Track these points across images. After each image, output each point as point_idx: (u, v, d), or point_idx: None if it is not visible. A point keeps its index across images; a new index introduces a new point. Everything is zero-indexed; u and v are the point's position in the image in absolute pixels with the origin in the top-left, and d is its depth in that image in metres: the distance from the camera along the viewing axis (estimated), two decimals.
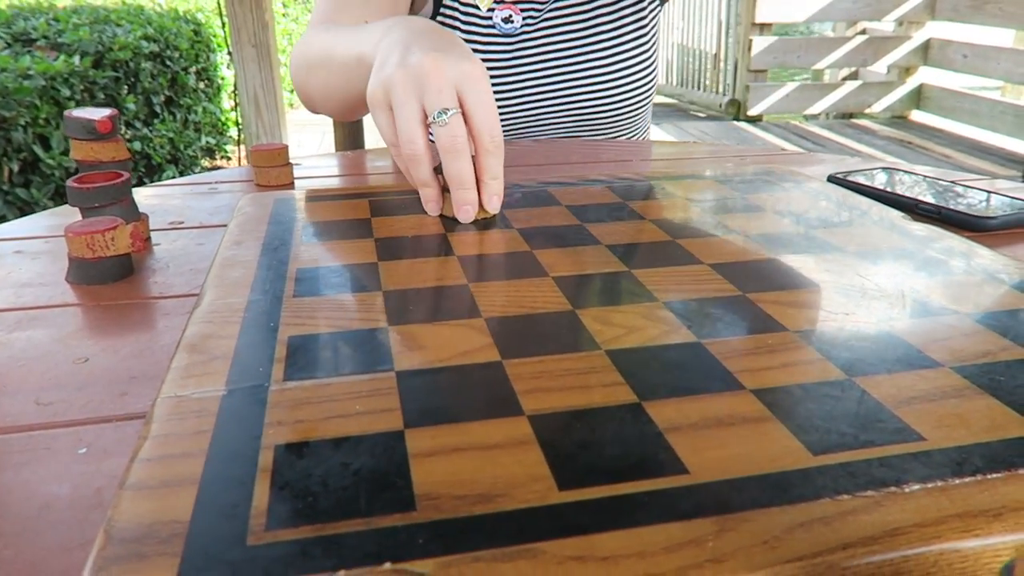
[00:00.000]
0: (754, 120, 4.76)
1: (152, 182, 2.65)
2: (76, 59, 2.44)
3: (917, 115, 4.79)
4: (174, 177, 3.03)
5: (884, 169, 0.70)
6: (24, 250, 0.53)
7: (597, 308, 0.37)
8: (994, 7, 4.03)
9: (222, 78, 3.78)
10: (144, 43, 2.86)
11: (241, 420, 0.27)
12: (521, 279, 0.41)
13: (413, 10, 0.86)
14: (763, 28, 4.64)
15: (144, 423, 0.27)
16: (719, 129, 4.52)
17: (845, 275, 0.42)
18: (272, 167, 0.67)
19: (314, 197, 0.57)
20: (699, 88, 5.41)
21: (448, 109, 0.49)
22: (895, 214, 0.53)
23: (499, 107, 0.80)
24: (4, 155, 2.09)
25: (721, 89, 5.07)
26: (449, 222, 0.52)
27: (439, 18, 0.87)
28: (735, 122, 4.74)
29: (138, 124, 2.83)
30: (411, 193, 0.58)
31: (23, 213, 2.16)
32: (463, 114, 0.50)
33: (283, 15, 5.56)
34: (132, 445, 0.28)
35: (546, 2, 0.88)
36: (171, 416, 0.27)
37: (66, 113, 0.53)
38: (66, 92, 2.32)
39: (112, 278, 0.47)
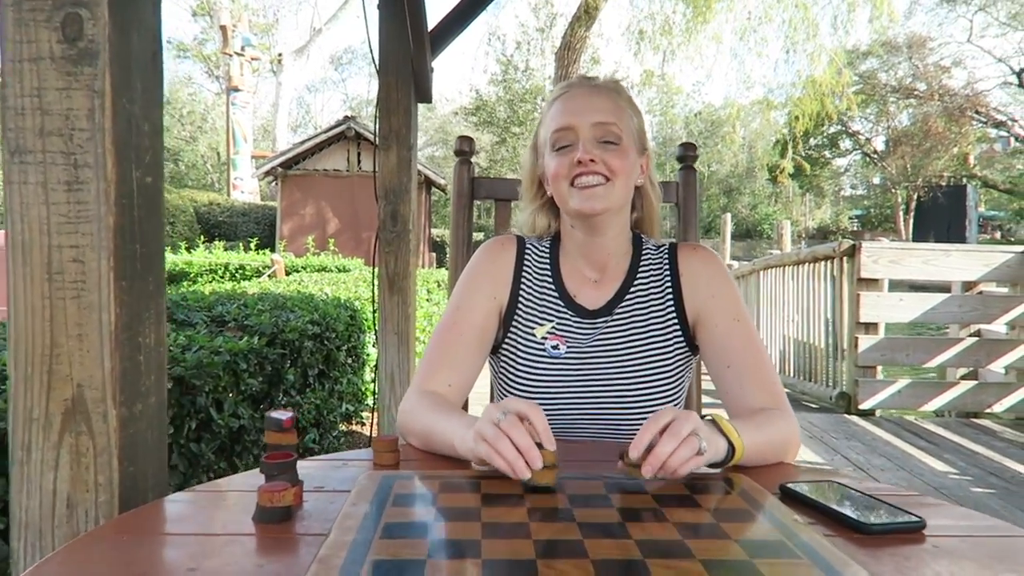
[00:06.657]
0: (866, 414, 4.81)
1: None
2: (255, 339, 3.01)
3: None
4: (315, 439, 3.46)
5: (823, 481, 0.91)
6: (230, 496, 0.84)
7: None
8: None
9: (367, 354, 4.37)
10: (310, 326, 3.46)
11: None
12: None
13: (485, 339, 1.21)
14: (868, 328, 4.87)
15: None
16: (828, 422, 4.60)
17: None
18: (386, 452, 0.97)
19: (402, 477, 0.87)
20: (811, 380, 5.58)
21: (503, 416, 0.84)
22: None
23: (546, 408, 1.07)
24: (187, 415, 2.57)
25: (831, 383, 5.21)
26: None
27: (504, 343, 1.22)
28: (846, 415, 4.80)
29: (293, 392, 3.34)
30: (477, 477, 0.86)
31: (190, 464, 2.57)
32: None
33: (426, 300, 6.38)
34: None
35: (587, 339, 1.20)
36: None
37: (267, 413, 0.86)
38: (244, 365, 2.84)
39: (279, 520, 0.76)
